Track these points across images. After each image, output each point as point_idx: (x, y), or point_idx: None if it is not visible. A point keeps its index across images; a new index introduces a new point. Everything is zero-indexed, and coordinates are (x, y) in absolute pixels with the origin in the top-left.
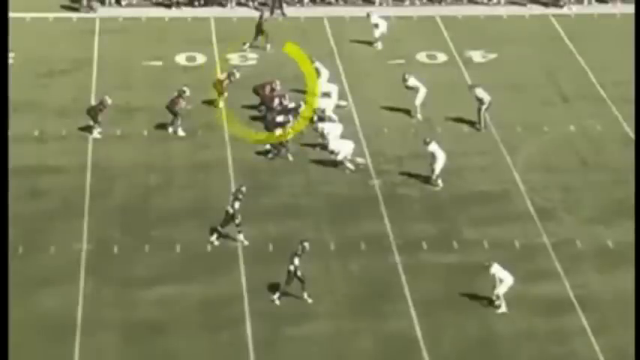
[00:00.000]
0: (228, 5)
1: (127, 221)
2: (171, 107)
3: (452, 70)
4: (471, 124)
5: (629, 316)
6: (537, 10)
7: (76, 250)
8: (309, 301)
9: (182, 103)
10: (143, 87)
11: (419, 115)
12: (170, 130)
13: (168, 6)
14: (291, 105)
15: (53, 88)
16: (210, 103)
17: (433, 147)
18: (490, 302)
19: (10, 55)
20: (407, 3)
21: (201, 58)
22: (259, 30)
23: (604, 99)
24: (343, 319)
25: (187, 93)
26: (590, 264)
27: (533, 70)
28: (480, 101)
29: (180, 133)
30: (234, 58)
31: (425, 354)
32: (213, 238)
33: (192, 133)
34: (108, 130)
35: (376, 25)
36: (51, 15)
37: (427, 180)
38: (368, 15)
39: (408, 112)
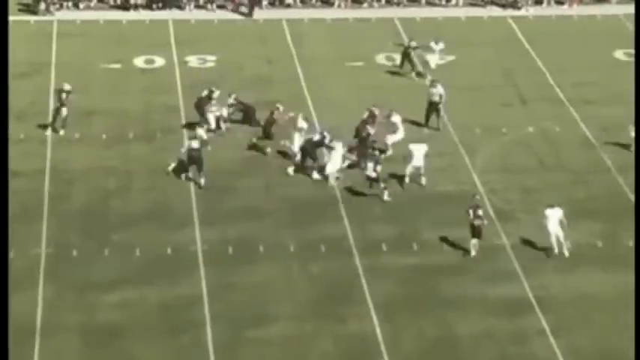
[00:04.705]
0: (187, 8)
1: (86, 225)
2: None
3: (410, 72)
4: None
5: (587, 316)
6: (495, 12)
7: (36, 254)
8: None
9: None
10: (102, 90)
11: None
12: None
13: (126, 9)
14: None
15: (11, 92)
16: (169, 106)
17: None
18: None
19: None
20: (365, 5)
21: (159, 61)
22: (408, 59)
23: (562, 100)
24: (304, 321)
25: None
26: (549, 265)
27: (491, 72)
28: (440, 97)
29: None
30: (192, 61)
31: (385, 356)
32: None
33: (150, 137)
34: (66, 133)
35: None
36: (9, 18)
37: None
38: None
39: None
